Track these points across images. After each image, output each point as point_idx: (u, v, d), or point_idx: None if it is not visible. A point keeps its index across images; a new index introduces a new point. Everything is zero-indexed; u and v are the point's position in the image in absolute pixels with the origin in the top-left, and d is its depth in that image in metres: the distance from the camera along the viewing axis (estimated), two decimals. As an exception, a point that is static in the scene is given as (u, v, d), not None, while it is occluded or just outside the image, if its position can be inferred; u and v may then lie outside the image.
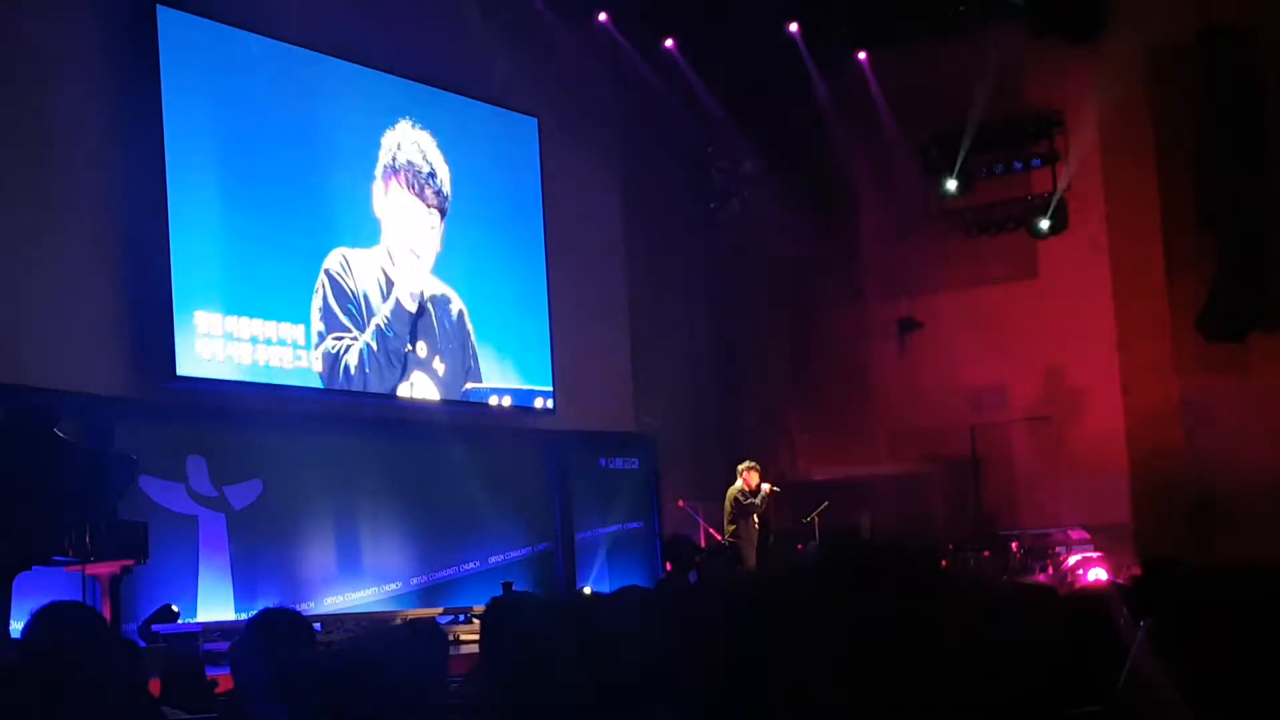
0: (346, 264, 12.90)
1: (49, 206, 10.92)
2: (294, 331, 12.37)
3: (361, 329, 12.95)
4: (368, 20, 13.35)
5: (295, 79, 12.76)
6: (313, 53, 12.84)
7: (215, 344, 11.73)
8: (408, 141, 13.66)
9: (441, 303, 13.83)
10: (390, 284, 13.31)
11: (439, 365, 13.65)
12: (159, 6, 11.54)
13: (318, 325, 12.54)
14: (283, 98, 12.63)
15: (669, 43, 16.05)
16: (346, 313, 12.82)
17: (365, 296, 13.03)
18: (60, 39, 11.14)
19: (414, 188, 13.70)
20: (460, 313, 13.99)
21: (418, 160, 13.74)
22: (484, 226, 14.51)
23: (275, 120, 12.54)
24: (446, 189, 14.00)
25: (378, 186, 13.33)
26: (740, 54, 16.24)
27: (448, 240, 14.09)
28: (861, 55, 16.88)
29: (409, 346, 13.40)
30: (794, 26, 16.18)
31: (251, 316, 12.04)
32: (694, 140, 17.29)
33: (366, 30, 13.32)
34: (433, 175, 13.89)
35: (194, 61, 11.83)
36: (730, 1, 15.25)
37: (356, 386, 12.86)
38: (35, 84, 10.93)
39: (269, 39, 12.45)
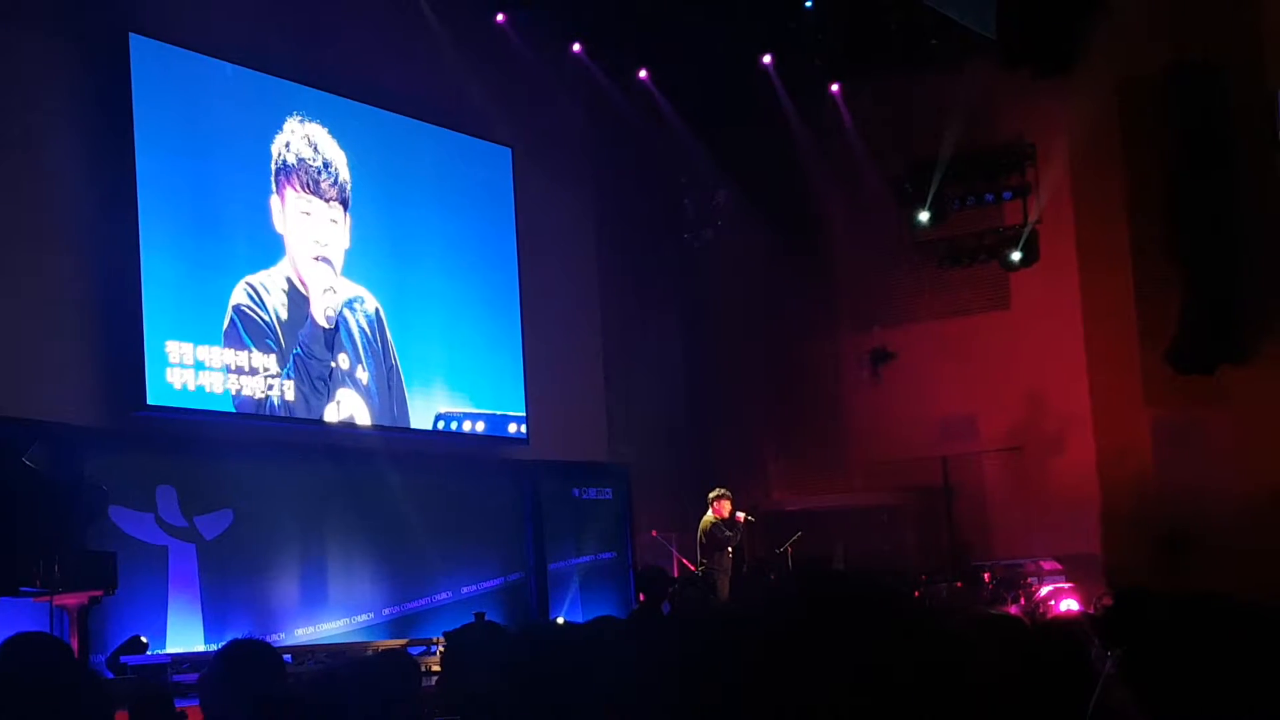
0: (254, 292, 12.34)
1: (19, 235, 10.88)
2: (266, 360, 12.31)
3: (278, 354, 12.42)
4: (340, 51, 13.37)
5: (268, 107, 12.75)
6: (285, 81, 12.83)
7: (186, 373, 11.67)
8: (296, 139, 12.93)
9: (356, 304, 13.31)
10: (302, 299, 12.76)
11: (362, 374, 13.23)
12: (131, 35, 11.53)
13: (229, 358, 12.02)
14: (252, 127, 12.60)
15: (643, 74, 16.11)
16: (262, 345, 12.31)
17: (277, 319, 12.48)
18: (32, 69, 11.12)
19: (308, 186, 13.01)
20: (377, 310, 13.46)
21: (308, 155, 13.02)
22: (457, 256, 14.49)
23: (244, 149, 12.51)
24: (344, 178, 13.29)
25: (274, 200, 12.69)
26: (714, 85, 16.31)
27: (417, 266, 14.06)
28: (834, 87, 16.97)
29: (333, 361, 12.95)
30: (767, 58, 16.27)
31: (223, 346, 11.98)
32: (668, 171, 17.34)
33: (339, 61, 13.33)
34: (327, 166, 13.19)
35: (167, 89, 11.81)
36: (704, 33, 15.32)
37: (294, 409, 12.52)
38: (6, 113, 10.89)
39: (240, 67, 12.44)
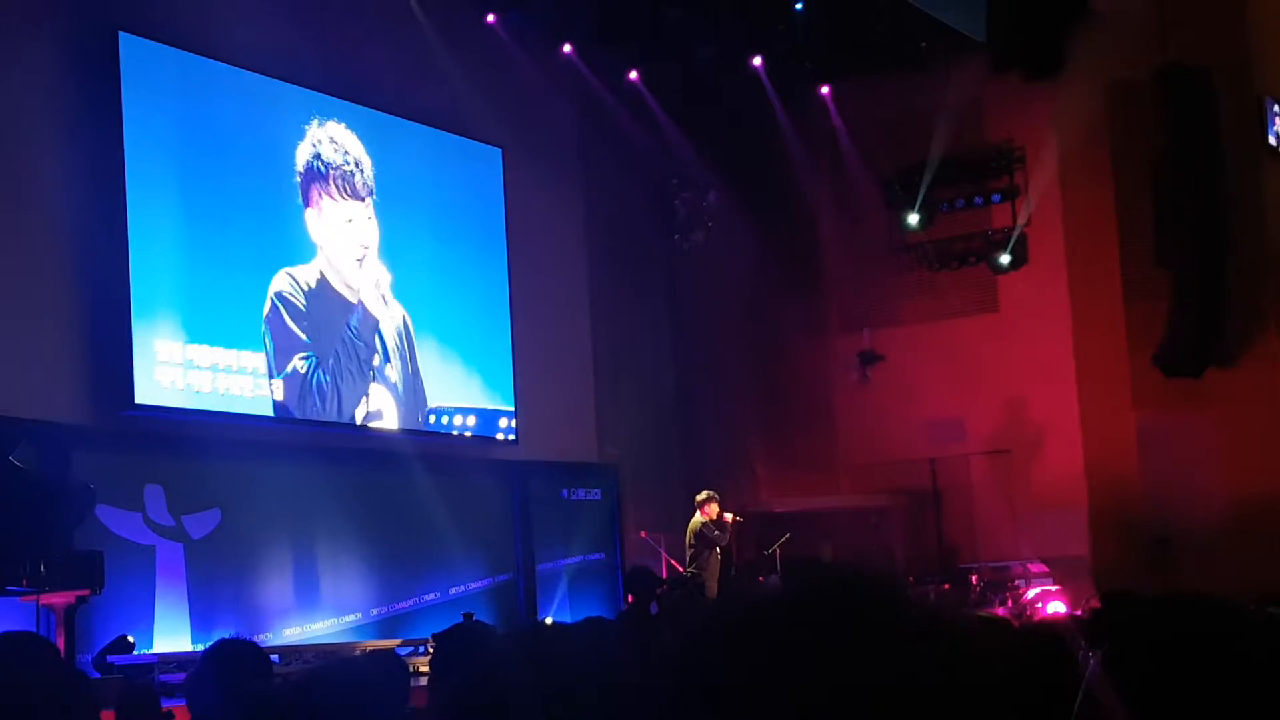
0: (295, 282, 12.70)
1: (7, 231, 10.84)
2: (255, 359, 12.30)
3: (321, 345, 12.80)
4: (330, 50, 13.34)
5: (257, 106, 12.73)
6: (275, 80, 12.82)
7: (175, 372, 11.65)
8: (324, 145, 13.18)
9: (390, 308, 13.69)
10: (345, 299, 13.14)
11: (392, 373, 13.50)
12: (121, 33, 11.50)
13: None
14: (244, 125, 12.59)
15: (633, 75, 16.11)
16: (305, 332, 12.68)
17: (312, 312, 12.81)
18: (18, 65, 11.08)
19: (345, 191, 13.33)
20: (404, 317, 13.76)
21: (338, 160, 13.28)
22: (448, 256, 14.48)
23: (236, 147, 12.50)
24: (370, 171, 13.59)
25: (309, 212, 12.97)
26: (704, 87, 16.33)
27: (409, 267, 14.05)
28: (824, 89, 17.00)
29: (374, 357, 13.30)
30: (758, 60, 16.29)
31: (212, 344, 11.97)
32: (658, 172, 17.34)
33: (329, 60, 13.32)
34: (359, 165, 13.46)
35: (156, 88, 11.79)
36: (695, 35, 15.33)
37: (329, 403, 12.76)
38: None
39: (231, 66, 12.42)
